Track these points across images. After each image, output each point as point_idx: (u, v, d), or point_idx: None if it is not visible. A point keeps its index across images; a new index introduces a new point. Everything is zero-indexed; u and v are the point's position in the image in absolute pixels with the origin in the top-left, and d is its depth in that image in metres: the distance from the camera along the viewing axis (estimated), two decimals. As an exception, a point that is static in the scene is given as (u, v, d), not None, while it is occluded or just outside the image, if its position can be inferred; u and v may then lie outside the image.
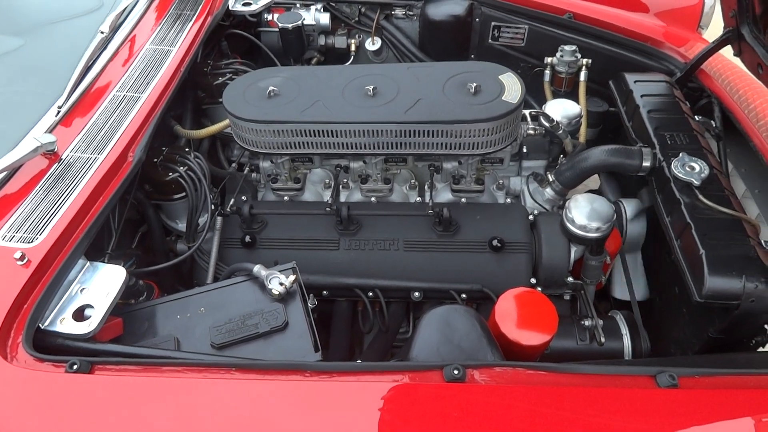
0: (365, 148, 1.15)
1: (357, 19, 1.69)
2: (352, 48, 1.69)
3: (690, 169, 1.12)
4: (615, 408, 0.73)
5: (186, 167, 1.14)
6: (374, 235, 1.19)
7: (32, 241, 0.85)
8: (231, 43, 1.49)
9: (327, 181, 1.34)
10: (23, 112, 1.07)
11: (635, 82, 1.40)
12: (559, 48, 1.52)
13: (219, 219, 1.19)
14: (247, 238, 1.19)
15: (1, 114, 1.08)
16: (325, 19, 1.63)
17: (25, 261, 0.83)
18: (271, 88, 1.17)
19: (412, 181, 1.33)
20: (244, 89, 1.19)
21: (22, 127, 1.03)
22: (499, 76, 1.16)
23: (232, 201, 1.22)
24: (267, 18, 1.63)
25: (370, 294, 1.17)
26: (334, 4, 1.69)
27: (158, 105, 1.10)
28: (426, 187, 1.25)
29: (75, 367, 0.74)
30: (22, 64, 1.21)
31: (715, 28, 1.60)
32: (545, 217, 1.21)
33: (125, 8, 1.26)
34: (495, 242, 1.15)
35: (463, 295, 1.16)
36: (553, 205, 1.31)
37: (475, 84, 1.13)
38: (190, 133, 1.27)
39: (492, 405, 0.74)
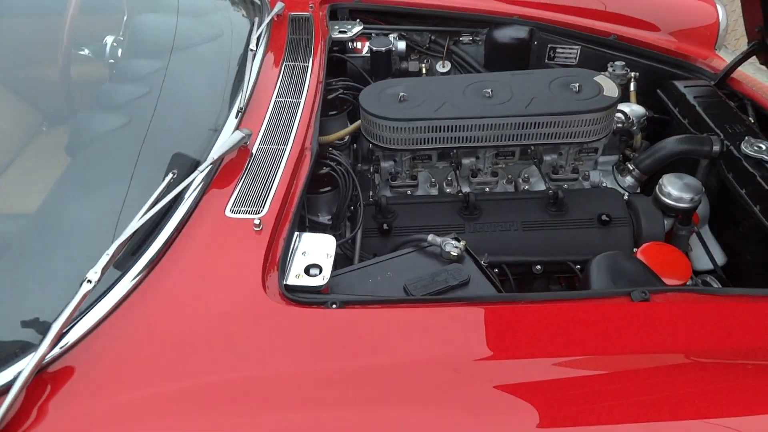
0: (489, 141, 1.33)
1: (428, 45, 1.90)
2: (423, 71, 1.89)
3: (758, 148, 1.34)
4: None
5: (336, 162, 1.28)
6: (495, 218, 1.35)
7: (258, 213, 0.98)
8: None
9: (432, 180, 1.50)
10: (209, 111, 1.21)
11: (685, 87, 1.64)
12: (610, 64, 1.75)
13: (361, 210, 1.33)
14: (385, 227, 1.33)
15: (199, 116, 1.21)
16: (402, 45, 1.83)
17: (260, 228, 0.95)
18: (401, 93, 1.34)
19: (509, 176, 1.50)
20: (377, 95, 1.36)
21: (209, 124, 1.16)
22: (594, 78, 1.37)
23: (371, 193, 1.36)
24: (351, 46, 1.82)
25: (496, 270, 1.31)
26: (405, 34, 1.90)
27: (314, 108, 1.26)
28: (542, 173, 1.42)
29: (334, 306, 0.86)
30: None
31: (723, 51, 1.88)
32: (637, 197, 1.40)
33: (260, 31, 1.42)
34: (603, 217, 1.32)
35: (578, 266, 1.32)
36: (632, 191, 1.50)
37: (577, 84, 1.34)
38: (328, 137, 1.42)
39: (678, 320, 0.89)
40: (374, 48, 1.72)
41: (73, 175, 1.05)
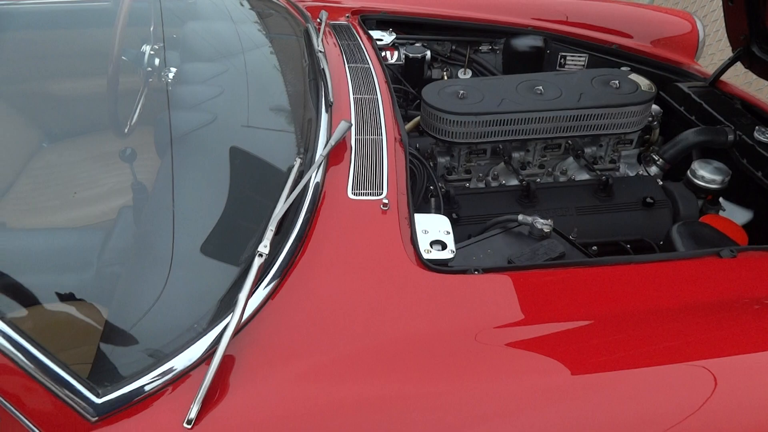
0: (545, 133, 1.44)
1: (449, 54, 2.02)
2: (445, 78, 1.99)
3: (769, 135, 1.52)
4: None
5: (411, 154, 1.35)
6: (551, 204, 1.46)
7: (379, 195, 1.03)
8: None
9: (480, 175, 1.59)
10: (296, 105, 1.24)
11: (688, 87, 1.83)
12: (620, 68, 1.93)
13: (432, 200, 1.39)
14: (454, 216, 1.40)
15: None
16: (428, 54, 1.94)
17: (388, 208, 1.00)
18: (461, 91, 1.44)
19: (549, 169, 1.62)
20: (437, 93, 1.44)
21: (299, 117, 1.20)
22: (629, 76, 1.53)
23: (441, 184, 1.43)
24: (383, 54, 1.90)
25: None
26: (426, 44, 2.00)
27: (392, 104, 1.32)
28: (581, 164, 1.55)
29: (476, 272, 0.92)
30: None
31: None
32: (669, 182, 1.55)
33: (321, 34, 1.47)
34: (648, 200, 1.46)
35: (628, 245, 1.44)
36: (657, 179, 1.66)
37: (617, 81, 1.48)
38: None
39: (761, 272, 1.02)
40: (410, 55, 1.81)
41: (192, 169, 1.06)
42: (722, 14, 1.80)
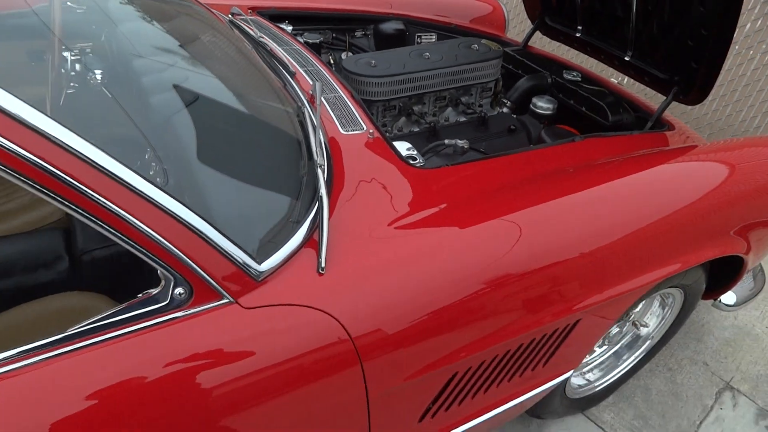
0: (437, 87, 1.92)
1: (331, 41, 2.40)
2: (331, 61, 2.38)
3: (574, 75, 2.22)
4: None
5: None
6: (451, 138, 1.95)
7: (363, 130, 1.39)
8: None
9: (389, 128, 2.02)
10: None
11: (511, 50, 2.49)
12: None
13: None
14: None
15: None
16: (320, 40, 2.31)
17: (373, 137, 1.37)
18: (372, 61, 1.85)
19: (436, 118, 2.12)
20: (355, 63, 1.83)
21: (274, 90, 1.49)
22: (482, 41, 2.09)
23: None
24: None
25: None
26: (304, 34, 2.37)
27: (327, 70, 1.68)
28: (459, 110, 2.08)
29: (446, 166, 1.35)
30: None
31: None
32: (519, 116, 2.16)
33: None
34: (512, 127, 2.04)
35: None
36: (512, 114, 2.27)
37: (476, 45, 2.03)
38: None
39: (599, 146, 1.62)
40: (310, 41, 2.16)
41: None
42: (522, -2, 2.47)
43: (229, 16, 1.92)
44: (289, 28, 2.16)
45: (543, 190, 1.31)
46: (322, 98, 1.49)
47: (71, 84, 1.35)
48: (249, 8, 2.18)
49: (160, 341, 0.89)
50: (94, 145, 0.78)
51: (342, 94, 1.56)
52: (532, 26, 2.58)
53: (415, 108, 2.02)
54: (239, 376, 0.92)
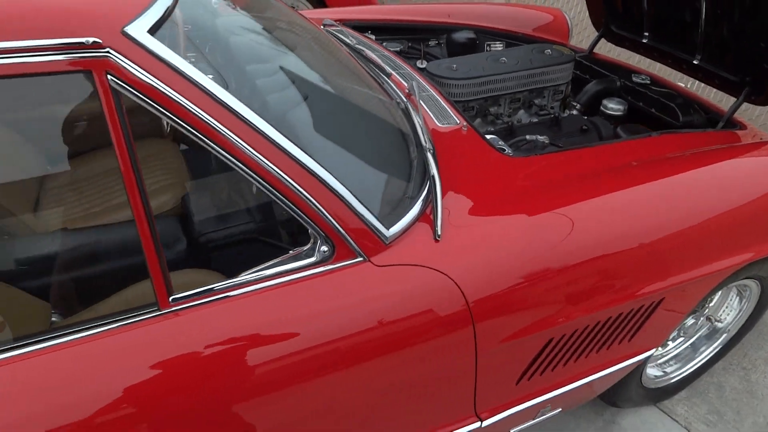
0: (513, 89, 2.06)
1: (407, 50, 2.58)
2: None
3: (643, 78, 2.30)
4: None
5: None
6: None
7: (456, 124, 1.54)
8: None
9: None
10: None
11: (578, 56, 2.60)
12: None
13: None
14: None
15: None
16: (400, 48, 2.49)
17: (466, 129, 1.51)
18: (453, 66, 2.00)
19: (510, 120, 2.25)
20: (438, 67, 1.99)
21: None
22: (554, 47, 2.21)
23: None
24: (360, 52, 2.40)
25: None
26: (384, 43, 2.55)
27: (417, 73, 1.84)
28: (532, 112, 2.20)
29: (536, 154, 1.47)
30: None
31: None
32: (589, 117, 2.27)
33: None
34: (584, 127, 2.14)
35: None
36: (582, 116, 2.37)
37: (549, 50, 2.16)
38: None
39: (675, 141, 1.71)
40: (390, 49, 2.34)
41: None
42: (584, 8, 2.59)
43: (322, 26, 2.12)
44: (372, 38, 2.34)
45: (629, 178, 1.42)
46: (417, 97, 1.65)
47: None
48: (335, 20, 2.37)
49: (309, 291, 1.04)
50: (274, 127, 0.96)
51: (433, 92, 1.71)
52: (597, 34, 2.69)
53: (491, 109, 2.16)
54: (369, 327, 1.07)
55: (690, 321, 1.96)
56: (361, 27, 2.47)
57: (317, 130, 1.09)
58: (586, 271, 1.24)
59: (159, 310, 0.96)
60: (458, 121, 1.56)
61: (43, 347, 0.90)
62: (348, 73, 1.42)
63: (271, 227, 1.49)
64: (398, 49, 2.37)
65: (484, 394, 1.24)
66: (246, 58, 1.15)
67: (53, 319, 1.60)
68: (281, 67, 1.14)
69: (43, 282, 1.59)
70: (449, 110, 1.62)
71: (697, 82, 2.69)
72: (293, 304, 1.03)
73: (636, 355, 1.47)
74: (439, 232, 1.15)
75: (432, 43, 2.65)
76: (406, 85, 1.66)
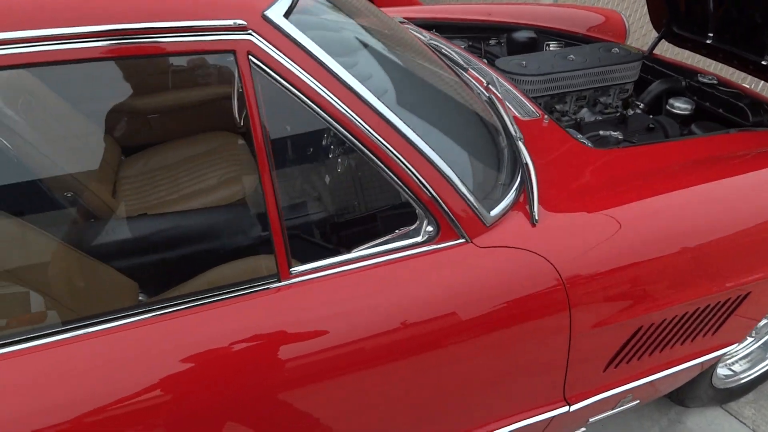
0: (580, 86, 2.08)
1: (468, 48, 2.62)
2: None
3: (709, 78, 2.29)
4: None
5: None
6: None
7: (537, 116, 1.56)
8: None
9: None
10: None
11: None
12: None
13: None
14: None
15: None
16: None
17: (547, 122, 1.54)
18: (523, 62, 2.03)
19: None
20: (508, 64, 2.02)
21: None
22: (621, 45, 2.22)
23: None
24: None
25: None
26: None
27: (494, 70, 1.87)
28: (596, 110, 2.21)
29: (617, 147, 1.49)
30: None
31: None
32: (655, 116, 2.26)
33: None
34: (650, 125, 2.14)
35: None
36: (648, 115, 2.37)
37: (616, 48, 2.17)
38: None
39: (752, 139, 1.71)
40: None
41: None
42: (638, 9, 2.58)
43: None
44: (438, 36, 2.38)
45: (718, 170, 1.43)
46: (497, 91, 1.68)
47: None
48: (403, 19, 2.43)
49: (414, 269, 1.08)
50: (393, 112, 1.00)
51: (509, 87, 1.75)
52: (657, 35, 2.68)
53: (557, 106, 2.18)
54: (471, 307, 1.10)
55: (763, 321, 1.94)
56: (425, 25, 2.52)
57: (423, 118, 1.13)
58: (678, 260, 1.25)
59: (279, 281, 1.01)
60: (538, 114, 1.59)
61: (166, 312, 0.96)
62: (438, 67, 1.46)
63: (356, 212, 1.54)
64: (463, 46, 2.41)
65: (573, 378, 1.26)
66: (356, 48, 1.20)
67: (140, 297, 1.68)
68: (387, 59, 1.19)
69: (137, 262, 1.67)
70: (527, 103, 1.65)
71: (761, 83, 2.66)
72: (400, 282, 1.07)
73: (717, 350, 1.47)
74: (536, 217, 1.17)
75: (492, 42, 2.68)
76: (483, 79, 1.69)
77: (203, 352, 0.96)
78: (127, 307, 0.97)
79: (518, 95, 1.70)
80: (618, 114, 2.17)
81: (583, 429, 1.53)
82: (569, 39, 2.74)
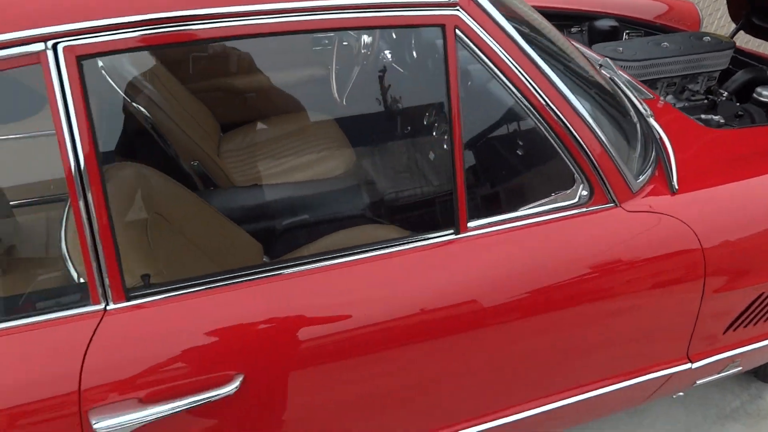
0: (675, 72, 2.16)
1: (550, 35, 2.71)
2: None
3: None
4: None
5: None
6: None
7: (652, 97, 1.66)
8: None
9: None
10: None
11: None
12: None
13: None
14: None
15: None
16: (540, 35, 2.62)
17: (662, 104, 1.64)
18: (619, 48, 2.12)
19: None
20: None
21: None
22: (711, 34, 2.30)
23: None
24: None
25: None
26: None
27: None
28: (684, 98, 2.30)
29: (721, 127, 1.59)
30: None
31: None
32: (742, 104, 2.34)
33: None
34: (739, 113, 2.22)
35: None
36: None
37: (708, 37, 2.25)
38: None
39: None
40: (544, 33, 2.48)
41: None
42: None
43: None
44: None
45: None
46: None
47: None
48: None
49: (569, 229, 1.20)
50: (567, 88, 1.13)
51: (618, 70, 1.84)
52: (735, 26, 2.74)
53: (650, 93, 2.27)
54: (616, 267, 1.22)
55: None
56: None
57: (580, 95, 1.24)
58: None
59: (458, 233, 1.14)
60: (651, 96, 1.69)
61: (354, 260, 1.11)
62: (573, 49, 1.56)
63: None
64: None
65: (698, 338, 1.37)
66: (527, 29, 1.31)
67: (264, 259, 1.83)
68: (547, 40, 1.30)
69: (262, 226, 1.82)
70: (639, 85, 1.75)
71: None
72: (558, 239, 1.19)
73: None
74: (676, 186, 1.28)
75: (574, 29, 2.77)
76: (592, 62, 1.79)
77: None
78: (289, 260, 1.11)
79: (627, 77, 1.79)
80: (706, 101, 2.25)
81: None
82: (648, 28, 2.81)
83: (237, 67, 2.65)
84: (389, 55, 2.21)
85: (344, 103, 2.39)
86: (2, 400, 0.90)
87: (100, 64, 1.91)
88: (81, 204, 0.91)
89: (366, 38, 2.20)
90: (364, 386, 1.15)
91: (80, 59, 0.85)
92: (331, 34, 2.47)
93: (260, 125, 2.59)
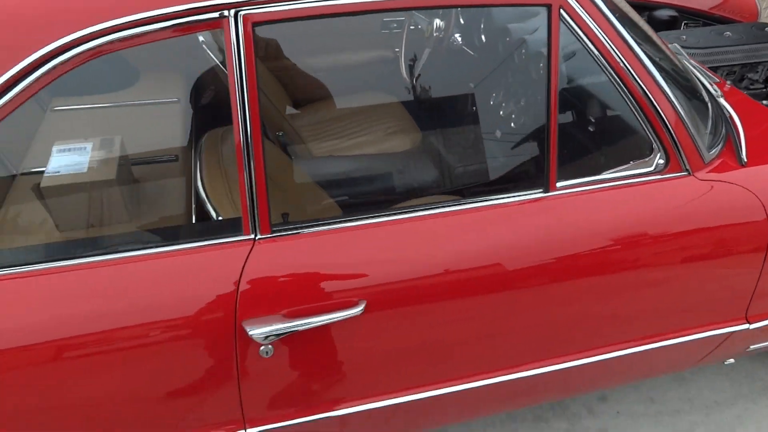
0: (737, 60, 2.26)
1: (610, 24, 2.81)
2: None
3: None
4: None
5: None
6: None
7: (717, 80, 1.78)
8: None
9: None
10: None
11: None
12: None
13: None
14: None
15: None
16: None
17: (721, 93, 1.75)
18: (683, 36, 2.22)
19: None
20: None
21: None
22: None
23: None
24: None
25: None
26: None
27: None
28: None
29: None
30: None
31: None
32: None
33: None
34: (796, 101, 2.30)
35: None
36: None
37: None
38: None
39: None
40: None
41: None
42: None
43: None
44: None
45: None
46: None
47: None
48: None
49: (646, 194, 1.34)
50: (654, 65, 1.27)
51: (684, 55, 1.96)
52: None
53: (710, 80, 2.37)
54: (689, 233, 1.35)
55: None
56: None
57: (660, 72, 1.37)
58: None
59: (547, 191, 1.29)
60: (717, 80, 1.80)
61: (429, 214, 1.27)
62: (647, 29, 1.69)
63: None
64: None
65: (757, 300, 1.49)
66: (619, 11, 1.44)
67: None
68: (631, 19, 1.44)
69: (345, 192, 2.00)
70: (705, 71, 1.86)
71: None
72: (635, 203, 1.34)
73: None
74: (745, 159, 1.41)
75: (634, 19, 2.87)
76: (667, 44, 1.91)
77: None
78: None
79: (693, 61, 1.90)
80: (765, 89, 2.33)
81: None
82: (706, 19, 2.89)
83: (309, 47, 2.82)
84: (459, 39, 2.34)
85: (415, 83, 2.54)
86: (178, 310, 1.10)
87: (201, 39, 2.10)
88: (244, 151, 1.09)
89: (439, 21, 2.34)
90: (462, 325, 1.32)
91: (255, 26, 1.03)
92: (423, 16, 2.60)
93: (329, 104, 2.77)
